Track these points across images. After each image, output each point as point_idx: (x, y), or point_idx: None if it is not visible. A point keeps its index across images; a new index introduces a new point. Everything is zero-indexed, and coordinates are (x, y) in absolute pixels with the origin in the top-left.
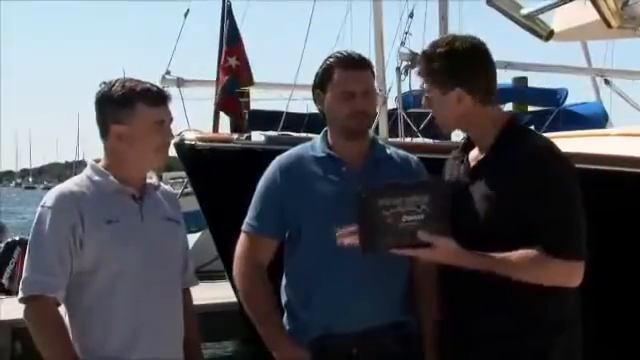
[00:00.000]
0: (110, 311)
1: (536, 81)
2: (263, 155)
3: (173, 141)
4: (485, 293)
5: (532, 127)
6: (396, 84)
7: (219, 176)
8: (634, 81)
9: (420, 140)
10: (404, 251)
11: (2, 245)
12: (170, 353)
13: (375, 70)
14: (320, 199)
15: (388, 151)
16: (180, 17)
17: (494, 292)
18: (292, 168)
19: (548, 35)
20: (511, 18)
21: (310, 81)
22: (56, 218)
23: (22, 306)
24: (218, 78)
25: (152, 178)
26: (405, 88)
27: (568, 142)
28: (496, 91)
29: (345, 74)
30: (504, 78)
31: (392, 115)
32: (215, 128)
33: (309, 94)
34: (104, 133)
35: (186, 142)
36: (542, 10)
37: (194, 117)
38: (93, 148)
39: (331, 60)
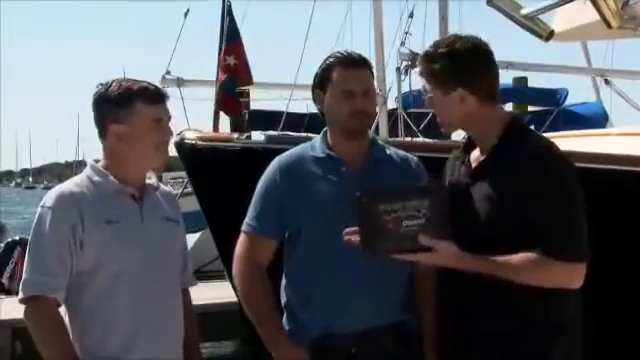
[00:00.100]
0: (110, 311)
1: (536, 81)
2: (263, 154)
3: (173, 140)
4: (486, 294)
5: (532, 127)
6: (396, 84)
7: (219, 175)
8: (634, 81)
9: (420, 140)
10: (405, 256)
11: (2, 245)
12: (170, 353)
13: (375, 70)
14: (320, 199)
15: (388, 151)
16: (180, 17)
17: (495, 293)
18: (292, 168)
19: (548, 35)
20: (511, 18)
21: (310, 81)
22: (56, 218)
23: (22, 306)
24: (218, 77)
25: (151, 178)
26: (405, 88)
27: (569, 142)
28: (499, 91)
29: (345, 73)
30: (504, 78)
31: (392, 115)
32: (215, 128)
33: (309, 94)
34: (103, 134)
35: (186, 141)
36: (542, 10)
37: (194, 117)
38: (93, 148)
39: (331, 60)
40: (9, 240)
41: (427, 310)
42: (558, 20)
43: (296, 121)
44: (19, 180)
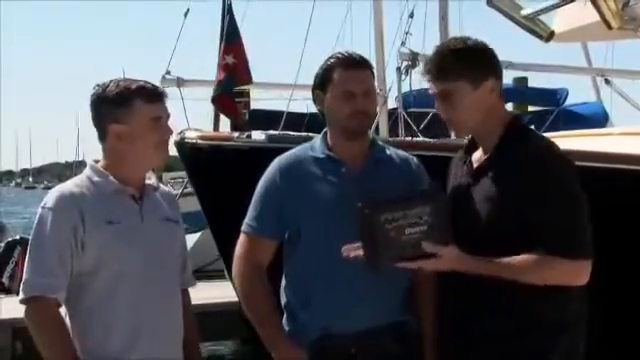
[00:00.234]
0: (111, 312)
1: (536, 81)
2: (264, 153)
3: (174, 140)
4: (487, 294)
5: (532, 127)
6: (396, 84)
7: (220, 174)
8: (634, 81)
9: (420, 139)
10: (409, 264)
11: (2, 245)
12: (170, 353)
13: (375, 70)
14: (320, 200)
15: (388, 152)
16: (180, 17)
17: (496, 293)
18: (292, 169)
19: (548, 36)
20: (511, 19)
21: (310, 81)
22: (57, 219)
23: (23, 306)
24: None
25: (151, 179)
26: (405, 88)
27: (570, 141)
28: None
29: (346, 74)
30: (505, 78)
31: (392, 115)
32: (216, 127)
33: (309, 94)
34: (102, 134)
35: (187, 141)
36: (542, 11)
37: (194, 117)
38: (93, 148)
39: (331, 61)
40: (9, 240)
41: (427, 311)
42: (558, 21)
43: (296, 121)
44: (19, 180)
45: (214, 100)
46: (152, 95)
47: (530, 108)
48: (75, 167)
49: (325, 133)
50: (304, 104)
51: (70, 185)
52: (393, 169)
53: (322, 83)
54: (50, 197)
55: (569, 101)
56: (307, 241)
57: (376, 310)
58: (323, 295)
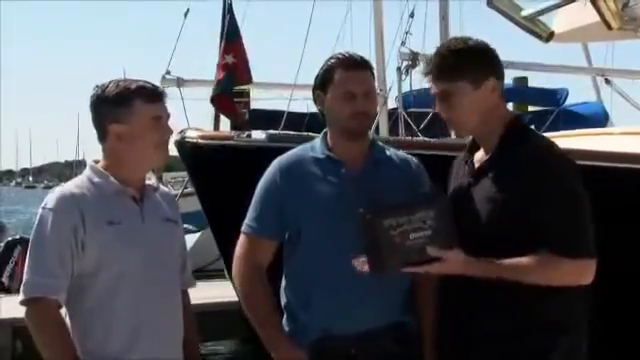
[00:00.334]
0: (111, 312)
1: (536, 81)
2: (264, 152)
3: (174, 139)
4: (487, 294)
5: (532, 127)
6: (396, 84)
7: (220, 174)
8: (634, 81)
9: (420, 138)
10: (414, 269)
11: (2, 244)
12: (169, 353)
13: (375, 70)
14: (320, 200)
15: (388, 152)
16: (180, 17)
17: (497, 293)
18: (292, 169)
19: (548, 36)
20: (511, 20)
21: (310, 81)
22: (57, 220)
23: (23, 306)
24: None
25: (151, 179)
26: (406, 88)
27: (571, 141)
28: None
29: (346, 74)
30: (505, 78)
31: (392, 115)
32: (216, 127)
33: (309, 94)
34: (102, 134)
35: (187, 140)
36: (542, 12)
37: (194, 117)
38: (93, 148)
39: (332, 61)
40: (9, 239)
41: (428, 312)
42: (558, 21)
43: (296, 121)
44: (19, 179)
45: (213, 100)
46: (152, 95)
47: (530, 108)
48: (75, 167)
49: (325, 133)
50: (304, 104)
51: (70, 186)
52: (393, 169)
53: (323, 83)
54: (51, 198)
55: (569, 101)
56: (307, 242)
57: (376, 311)
58: (323, 296)
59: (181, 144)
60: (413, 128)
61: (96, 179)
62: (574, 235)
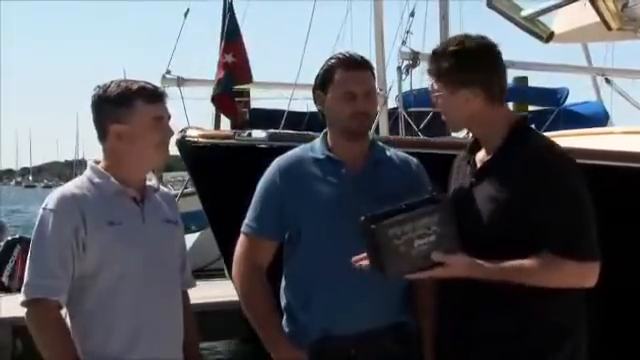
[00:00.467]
0: (112, 313)
1: (537, 80)
2: (265, 151)
3: (175, 138)
4: (488, 294)
5: (532, 127)
6: (397, 83)
7: (221, 173)
8: (634, 80)
9: (419, 137)
10: (419, 274)
11: (2, 244)
12: (170, 353)
13: (376, 70)
14: (320, 200)
15: (388, 152)
16: (180, 17)
17: (497, 293)
18: (292, 169)
19: (548, 37)
20: (511, 20)
21: (310, 81)
22: (58, 221)
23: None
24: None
25: (151, 180)
26: (406, 87)
27: (572, 140)
28: (506, 91)
29: (347, 75)
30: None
31: (393, 114)
32: (217, 127)
33: (309, 93)
34: (103, 134)
35: (188, 139)
36: (542, 12)
37: (194, 116)
38: (93, 148)
39: (333, 61)
40: (9, 239)
41: (427, 311)
42: (558, 22)
43: (296, 120)
44: (19, 179)
45: (214, 99)
46: (153, 95)
47: (530, 108)
48: (75, 166)
49: (325, 134)
50: (304, 103)
51: (71, 186)
52: (393, 170)
53: (323, 83)
54: (51, 198)
55: (569, 101)
56: (307, 242)
57: (376, 311)
58: (323, 296)
59: (182, 143)
60: (413, 128)
61: (97, 180)
62: (577, 236)
